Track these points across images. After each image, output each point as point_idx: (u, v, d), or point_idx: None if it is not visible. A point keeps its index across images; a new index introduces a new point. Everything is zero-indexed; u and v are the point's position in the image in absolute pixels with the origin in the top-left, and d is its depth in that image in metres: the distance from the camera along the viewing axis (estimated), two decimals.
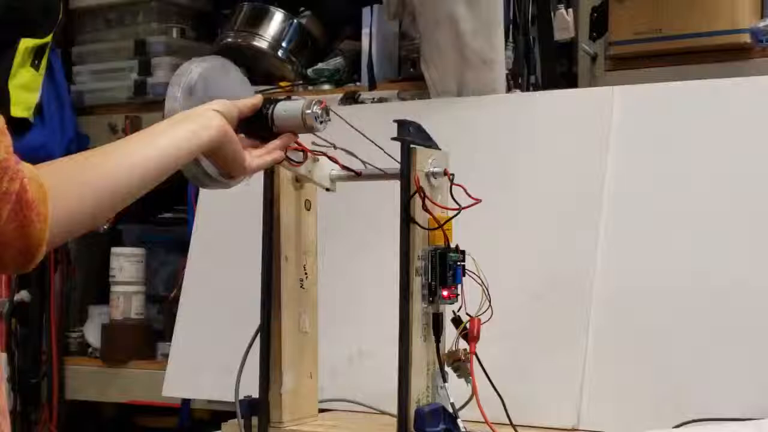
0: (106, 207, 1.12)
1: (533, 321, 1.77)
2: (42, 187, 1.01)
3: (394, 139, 1.50)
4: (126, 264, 2.57)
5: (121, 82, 2.71)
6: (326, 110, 1.48)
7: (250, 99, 1.45)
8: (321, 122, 1.46)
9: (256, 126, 1.45)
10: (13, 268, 1.03)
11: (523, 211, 1.87)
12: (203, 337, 2.11)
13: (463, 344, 1.52)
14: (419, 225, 1.48)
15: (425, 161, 1.50)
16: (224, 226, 2.18)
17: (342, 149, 1.58)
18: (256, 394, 1.63)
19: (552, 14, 2.21)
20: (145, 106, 2.68)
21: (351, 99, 2.32)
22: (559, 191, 1.86)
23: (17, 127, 2.49)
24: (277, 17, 2.63)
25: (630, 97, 1.88)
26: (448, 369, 1.53)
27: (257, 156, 1.42)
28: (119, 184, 1.13)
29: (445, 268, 1.49)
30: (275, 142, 1.45)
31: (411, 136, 1.50)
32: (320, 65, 2.55)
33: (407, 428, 1.46)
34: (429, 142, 1.54)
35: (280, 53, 2.62)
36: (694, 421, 1.58)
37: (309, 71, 2.55)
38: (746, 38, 2.04)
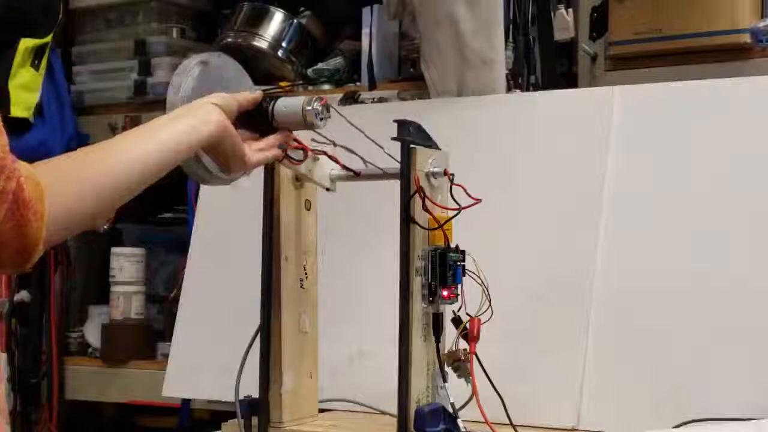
0: (106, 203, 1.12)
1: (533, 321, 1.77)
2: (39, 186, 1.01)
3: (394, 139, 1.50)
4: (126, 264, 2.57)
5: (121, 82, 2.71)
6: (326, 107, 1.48)
7: (251, 93, 1.45)
8: (321, 119, 1.47)
9: (256, 120, 1.45)
10: (11, 267, 1.03)
11: (523, 211, 1.87)
12: (203, 337, 2.11)
13: (463, 344, 1.52)
14: (419, 225, 1.48)
15: (425, 161, 1.50)
16: (224, 226, 2.18)
17: (342, 146, 1.58)
18: (256, 394, 1.63)
19: (552, 14, 2.21)
20: (145, 106, 2.68)
21: (351, 99, 2.32)
22: (559, 191, 1.86)
23: (17, 126, 2.49)
24: (277, 17, 2.63)
25: (630, 97, 1.88)
26: (448, 369, 1.53)
27: (257, 150, 1.42)
28: (119, 179, 1.13)
29: (445, 268, 1.49)
30: (273, 138, 1.46)
31: (411, 136, 1.50)
32: (320, 65, 2.55)
33: (407, 428, 1.46)
34: (429, 142, 1.54)
35: (280, 53, 2.62)
36: (694, 421, 1.58)
37: (309, 71, 2.55)
38: (746, 38, 2.04)
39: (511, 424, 1.58)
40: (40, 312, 2.70)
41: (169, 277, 2.73)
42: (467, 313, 1.51)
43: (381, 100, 2.28)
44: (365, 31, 2.41)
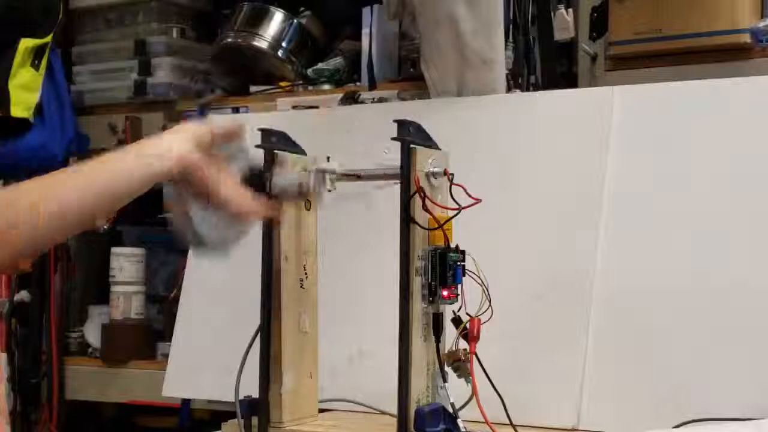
0: (54, 231, 1.11)
1: (533, 321, 1.77)
2: None
3: (394, 139, 1.50)
4: (126, 264, 2.57)
5: (121, 82, 2.71)
6: (332, 181, 1.48)
7: (228, 124, 1.35)
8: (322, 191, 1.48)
9: (255, 188, 1.38)
10: None
11: (523, 211, 1.87)
12: (203, 337, 2.11)
13: (463, 344, 1.52)
14: (419, 225, 1.48)
15: (425, 161, 1.50)
16: None
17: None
18: (256, 394, 1.63)
19: (552, 14, 2.21)
20: (145, 106, 2.68)
21: (351, 99, 2.32)
22: (559, 191, 1.86)
23: (17, 126, 2.49)
24: (277, 17, 2.63)
25: (630, 97, 1.88)
26: (448, 369, 1.53)
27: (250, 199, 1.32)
28: (71, 208, 1.11)
29: (445, 268, 1.49)
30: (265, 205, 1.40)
31: (411, 136, 1.50)
32: (320, 65, 2.55)
33: (407, 428, 1.46)
34: (429, 142, 1.54)
35: (280, 53, 2.62)
36: (694, 421, 1.58)
37: (309, 71, 2.55)
38: (746, 38, 2.04)
39: (511, 424, 1.58)
40: (40, 312, 2.70)
41: (169, 277, 2.73)
42: (467, 313, 1.51)
43: (381, 100, 2.28)
44: (365, 31, 2.41)
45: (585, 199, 1.82)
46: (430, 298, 1.49)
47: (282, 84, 2.56)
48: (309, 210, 1.68)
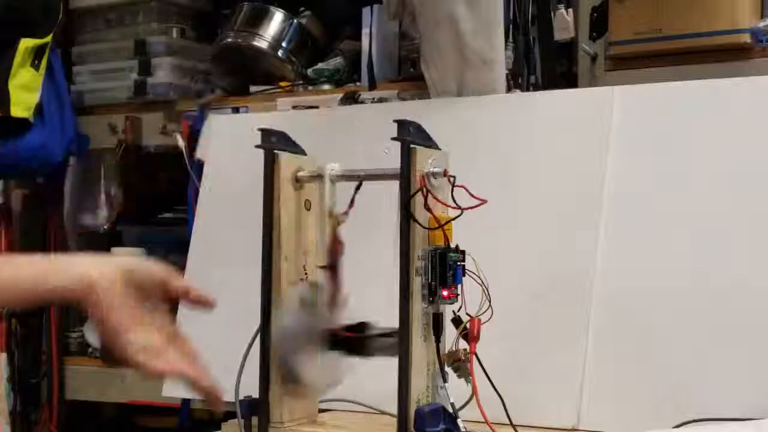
0: None
1: (533, 321, 1.77)
2: None
3: (394, 139, 1.50)
4: None
5: (121, 82, 2.71)
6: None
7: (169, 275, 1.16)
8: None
9: None
10: None
11: (523, 211, 1.87)
12: (203, 337, 2.10)
13: (463, 344, 1.52)
14: (419, 224, 1.48)
15: (425, 161, 1.50)
16: (224, 226, 2.18)
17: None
18: (256, 394, 1.63)
19: (552, 14, 2.21)
20: (145, 106, 2.68)
21: (351, 99, 2.32)
22: (559, 191, 1.86)
23: (17, 127, 2.49)
24: (277, 17, 2.63)
25: (630, 97, 1.88)
26: (448, 369, 1.53)
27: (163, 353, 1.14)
28: None
29: (445, 268, 1.49)
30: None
31: (411, 136, 1.50)
32: (320, 65, 2.55)
33: (407, 428, 1.46)
34: (429, 142, 1.54)
35: (280, 53, 2.62)
36: (694, 421, 1.58)
37: (309, 71, 2.55)
38: (746, 38, 2.04)
39: (511, 424, 1.58)
40: (40, 312, 2.70)
41: None
42: (467, 313, 1.51)
43: (381, 100, 2.28)
44: (365, 31, 2.41)
45: (585, 199, 1.82)
46: (430, 298, 1.49)
47: (282, 84, 2.56)
48: (309, 210, 1.67)
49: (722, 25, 2.04)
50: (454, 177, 1.51)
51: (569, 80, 2.27)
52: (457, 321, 1.53)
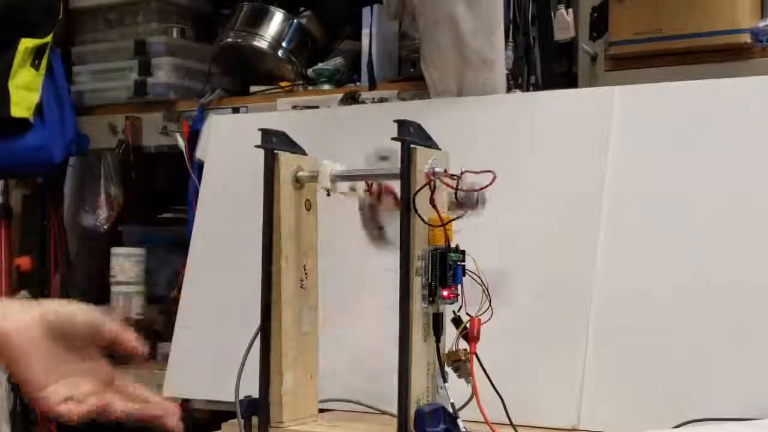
0: None
1: (533, 321, 1.77)
2: None
3: (394, 139, 1.50)
4: (126, 264, 2.57)
5: (121, 82, 2.71)
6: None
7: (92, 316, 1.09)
8: None
9: None
10: None
11: (523, 211, 1.87)
12: (203, 337, 2.11)
13: (463, 344, 1.52)
14: (422, 219, 1.47)
15: (425, 161, 1.50)
16: (224, 226, 2.18)
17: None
18: (256, 394, 1.63)
19: (552, 14, 2.21)
20: (145, 106, 2.68)
21: (351, 99, 2.32)
22: (559, 191, 1.85)
23: (17, 127, 2.49)
24: (277, 17, 2.63)
25: (630, 97, 1.88)
26: (448, 369, 1.53)
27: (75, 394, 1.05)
28: None
29: (445, 268, 1.49)
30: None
31: (411, 136, 1.50)
32: (320, 65, 2.55)
33: (407, 428, 1.46)
34: (429, 142, 1.54)
35: (280, 53, 2.62)
36: (694, 421, 1.58)
37: (309, 71, 2.56)
38: (746, 38, 2.04)
39: (511, 424, 1.58)
40: None
41: (169, 277, 2.72)
42: (467, 313, 1.51)
43: (381, 100, 2.28)
44: (365, 31, 2.41)
45: (585, 199, 1.82)
46: (430, 298, 1.49)
47: (282, 84, 2.56)
48: (309, 210, 1.68)
49: (722, 25, 2.04)
50: (460, 174, 1.51)
51: (569, 80, 2.26)
52: (457, 321, 1.53)
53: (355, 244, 1.97)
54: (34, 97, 2.50)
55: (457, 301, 1.52)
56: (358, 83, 2.44)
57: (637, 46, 2.13)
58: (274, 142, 1.62)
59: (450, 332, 1.53)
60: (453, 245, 1.51)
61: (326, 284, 1.73)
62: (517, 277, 1.80)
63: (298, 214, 1.65)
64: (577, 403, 1.69)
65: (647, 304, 1.71)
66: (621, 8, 2.15)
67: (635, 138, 1.84)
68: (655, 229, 1.76)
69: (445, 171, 1.51)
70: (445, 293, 1.50)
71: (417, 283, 1.48)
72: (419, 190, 1.47)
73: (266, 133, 1.62)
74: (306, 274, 1.67)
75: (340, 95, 2.36)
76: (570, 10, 2.21)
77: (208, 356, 2.07)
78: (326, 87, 2.50)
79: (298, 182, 1.65)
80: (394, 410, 1.49)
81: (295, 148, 1.65)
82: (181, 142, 2.48)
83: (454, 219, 1.50)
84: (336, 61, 2.54)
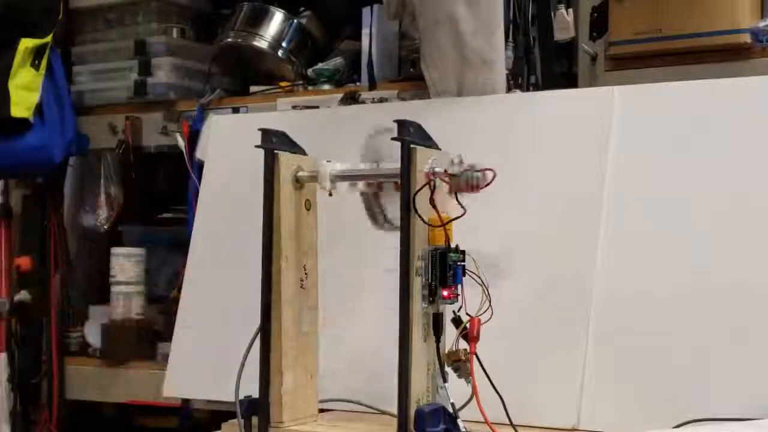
0: None
1: (533, 321, 1.77)
2: None
3: (394, 139, 1.50)
4: (126, 264, 2.57)
5: (121, 82, 2.71)
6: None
7: None
8: None
9: None
10: None
11: (523, 211, 1.87)
12: (203, 337, 2.11)
13: (463, 344, 1.52)
14: (422, 219, 1.47)
15: (425, 161, 1.50)
16: (224, 226, 2.18)
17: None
18: (256, 394, 1.63)
19: (552, 14, 2.22)
20: (145, 106, 2.68)
21: (351, 99, 2.33)
22: (559, 191, 1.86)
23: (17, 127, 2.49)
24: (277, 17, 2.63)
25: (630, 97, 1.88)
26: (448, 369, 1.53)
27: None
28: None
29: (445, 268, 1.49)
30: None
31: (411, 136, 1.50)
32: (320, 65, 2.55)
33: (407, 428, 1.46)
34: (429, 142, 1.54)
35: (280, 53, 2.62)
36: (694, 421, 1.58)
37: (309, 71, 2.56)
38: (746, 38, 2.04)
39: (511, 424, 1.58)
40: (40, 312, 2.70)
41: (169, 277, 2.73)
42: (467, 313, 1.52)
43: (381, 100, 2.28)
44: (365, 31, 2.41)
45: (585, 199, 1.82)
46: (430, 298, 1.49)
47: (282, 84, 2.56)
48: (309, 210, 1.68)
49: (722, 25, 2.04)
50: (471, 167, 1.51)
51: (569, 80, 2.26)
52: (457, 321, 1.53)
53: (355, 244, 1.98)
54: (34, 97, 2.50)
55: (457, 301, 1.52)
56: (358, 83, 2.44)
57: (637, 46, 2.13)
58: (274, 142, 1.62)
59: (450, 332, 1.53)
60: (453, 245, 1.51)
61: (326, 284, 1.74)
62: (517, 277, 1.80)
63: (298, 214, 1.65)
64: (577, 403, 1.69)
65: (647, 304, 1.71)
66: (621, 8, 2.15)
67: (635, 138, 1.84)
68: (655, 229, 1.76)
69: (445, 171, 1.51)
70: (445, 293, 1.50)
71: (417, 283, 1.48)
72: (419, 190, 1.47)
73: (266, 133, 1.62)
74: (306, 274, 1.67)
75: (340, 95, 2.36)
76: (570, 10, 2.21)
77: (208, 356, 2.07)
78: (326, 87, 2.50)
79: (298, 182, 1.65)
80: (394, 410, 1.49)
81: (295, 148, 1.66)
82: (181, 142, 2.48)
83: (454, 219, 1.50)
84: (336, 61, 2.54)
